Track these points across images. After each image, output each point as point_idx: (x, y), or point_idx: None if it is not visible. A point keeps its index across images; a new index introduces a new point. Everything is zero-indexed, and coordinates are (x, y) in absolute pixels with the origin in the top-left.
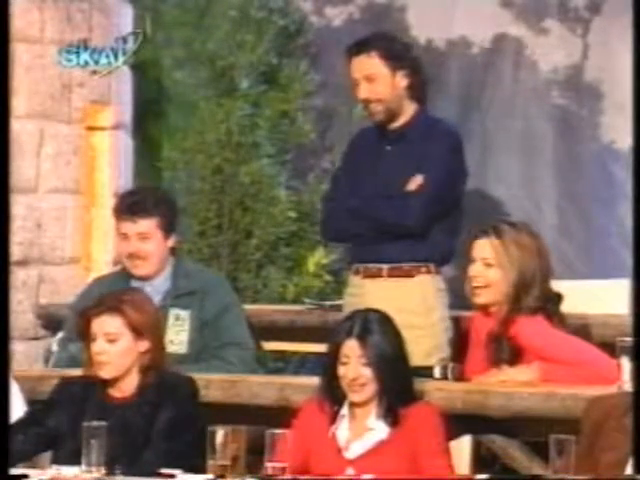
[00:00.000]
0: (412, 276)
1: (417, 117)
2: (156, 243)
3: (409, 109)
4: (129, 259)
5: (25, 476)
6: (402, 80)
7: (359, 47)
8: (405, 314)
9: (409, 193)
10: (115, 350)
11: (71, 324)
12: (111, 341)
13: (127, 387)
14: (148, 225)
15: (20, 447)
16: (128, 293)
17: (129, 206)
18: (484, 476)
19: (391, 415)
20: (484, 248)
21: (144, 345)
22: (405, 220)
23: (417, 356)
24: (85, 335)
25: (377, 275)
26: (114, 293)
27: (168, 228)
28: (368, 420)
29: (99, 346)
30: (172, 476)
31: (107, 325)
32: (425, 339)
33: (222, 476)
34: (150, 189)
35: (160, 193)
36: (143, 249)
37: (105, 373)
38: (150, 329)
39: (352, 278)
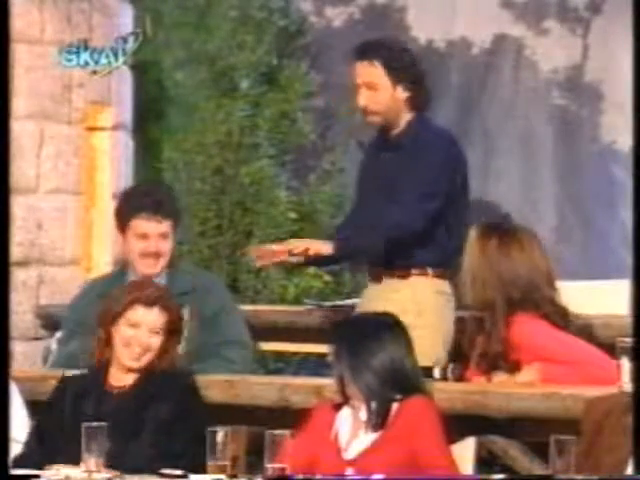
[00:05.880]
0: (406, 277)
1: (412, 125)
2: (171, 243)
3: (406, 118)
4: (143, 258)
5: (27, 476)
6: (403, 93)
7: (364, 52)
8: (398, 314)
9: (397, 237)
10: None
11: (70, 324)
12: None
13: (126, 377)
14: (169, 225)
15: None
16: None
17: (152, 205)
18: (500, 476)
19: (382, 412)
20: None
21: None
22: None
23: None
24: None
25: (377, 277)
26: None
27: (176, 228)
28: (362, 419)
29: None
30: (184, 476)
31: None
32: (418, 340)
33: (234, 477)
34: (161, 187)
35: (172, 192)
36: (162, 249)
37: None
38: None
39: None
